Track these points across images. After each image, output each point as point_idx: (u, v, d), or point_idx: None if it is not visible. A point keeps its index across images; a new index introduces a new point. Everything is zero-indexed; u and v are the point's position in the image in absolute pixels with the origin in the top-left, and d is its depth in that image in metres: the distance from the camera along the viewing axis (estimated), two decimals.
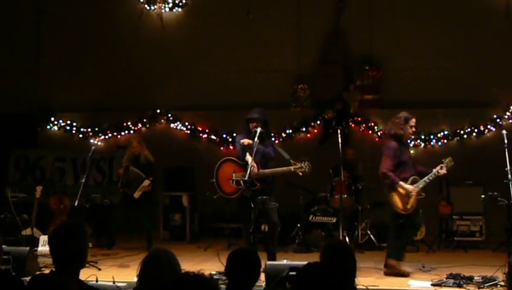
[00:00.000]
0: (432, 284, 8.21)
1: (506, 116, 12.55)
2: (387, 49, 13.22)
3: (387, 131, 9.28)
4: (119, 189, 11.44)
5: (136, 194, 11.35)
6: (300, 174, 9.05)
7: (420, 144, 12.88)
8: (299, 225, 11.52)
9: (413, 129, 9.13)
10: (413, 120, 9.05)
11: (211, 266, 9.29)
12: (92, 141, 13.76)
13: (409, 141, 9.38)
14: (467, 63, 12.88)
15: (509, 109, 12.54)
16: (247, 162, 9.00)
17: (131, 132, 13.83)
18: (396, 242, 8.99)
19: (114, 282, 7.73)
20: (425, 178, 8.92)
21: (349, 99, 13.06)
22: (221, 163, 9.41)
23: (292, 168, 8.97)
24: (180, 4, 13.82)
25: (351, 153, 12.06)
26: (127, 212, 11.52)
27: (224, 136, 13.53)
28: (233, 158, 9.33)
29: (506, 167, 8.47)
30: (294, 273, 6.47)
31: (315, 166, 9.11)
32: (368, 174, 12.15)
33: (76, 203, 10.27)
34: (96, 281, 7.71)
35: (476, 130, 12.67)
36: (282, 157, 9.33)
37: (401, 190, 8.78)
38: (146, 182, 11.38)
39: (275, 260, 8.85)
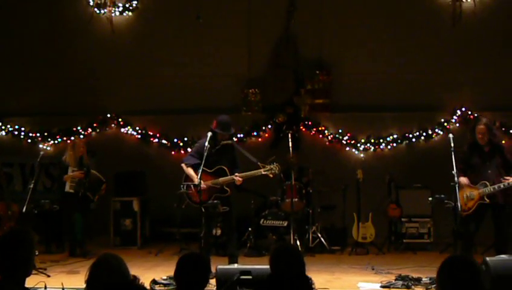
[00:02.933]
0: (381, 286, 8.34)
1: (453, 120, 12.76)
2: (337, 53, 13.33)
3: None
4: (79, 193, 11.09)
5: (96, 198, 11.31)
6: (271, 176, 9.29)
7: (370, 148, 13.01)
8: (250, 229, 11.56)
9: (479, 136, 9.14)
10: (480, 127, 9.14)
11: (162, 271, 9.25)
12: (40, 146, 13.55)
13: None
14: (415, 68, 13.05)
15: (456, 113, 12.76)
16: (216, 169, 9.29)
17: (81, 136, 13.67)
18: None
19: (63, 289, 7.66)
20: (495, 185, 8.97)
21: (300, 104, 13.13)
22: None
23: (262, 171, 9.16)
24: (131, 8, 13.70)
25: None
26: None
27: (176, 140, 13.47)
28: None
29: (453, 170, 8.62)
30: (245, 277, 6.52)
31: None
32: (319, 177, 12.26)
33: (24, 209, 10.14)
34: (45, 288, 7.62)
35: (424, 134, 12.83)
36: (248, 161, 9.51)
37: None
38: (104, 185, 11.36)
39: (236, 262, 9.00)
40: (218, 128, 9.32)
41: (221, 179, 9.29)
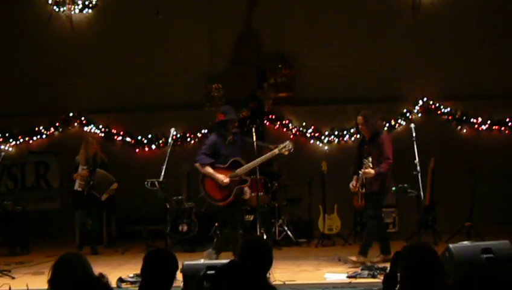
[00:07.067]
0: (348, 277, 8.36)
1: (415, 110, 12.90)
2: (299, 47, 13.39)
3: None
4: (84, 192, 11.07)
5: (104, 197, 11.26)
6: (287, 153, 9.21)
7: (334, 140, 13.08)
8: (216, 224, 11.54)
9: (360, 127, 9.36)
10: (358, 118, 9.28)
11: (128, 269, 9.21)
12: (1, 147, 13.35)
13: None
14: (377, 59, 13.17)
15: (418, 103, 12.89)
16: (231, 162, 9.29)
17: (44, 136, 13.54)
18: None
19: None
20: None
21: (263, 98, 13.16)
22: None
23: (277, 150, 9.13)
24: (90, 5, 13.60)
25: None
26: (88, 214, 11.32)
27: (140, 138, 13.41)
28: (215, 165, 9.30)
29: (415, 160, 8.71)
30: (212, 272, 6.51)
31: None
32: (284, 171, 12.29)
33: None
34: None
35: (387, 124, 12.92)
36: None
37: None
38: (114, 185, 11.33)
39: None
40: (228, 116, 9.30)
41: (238, 170, 9.28)
